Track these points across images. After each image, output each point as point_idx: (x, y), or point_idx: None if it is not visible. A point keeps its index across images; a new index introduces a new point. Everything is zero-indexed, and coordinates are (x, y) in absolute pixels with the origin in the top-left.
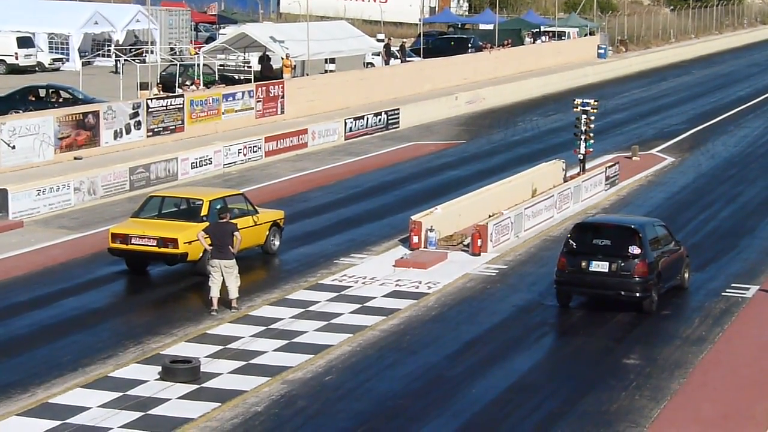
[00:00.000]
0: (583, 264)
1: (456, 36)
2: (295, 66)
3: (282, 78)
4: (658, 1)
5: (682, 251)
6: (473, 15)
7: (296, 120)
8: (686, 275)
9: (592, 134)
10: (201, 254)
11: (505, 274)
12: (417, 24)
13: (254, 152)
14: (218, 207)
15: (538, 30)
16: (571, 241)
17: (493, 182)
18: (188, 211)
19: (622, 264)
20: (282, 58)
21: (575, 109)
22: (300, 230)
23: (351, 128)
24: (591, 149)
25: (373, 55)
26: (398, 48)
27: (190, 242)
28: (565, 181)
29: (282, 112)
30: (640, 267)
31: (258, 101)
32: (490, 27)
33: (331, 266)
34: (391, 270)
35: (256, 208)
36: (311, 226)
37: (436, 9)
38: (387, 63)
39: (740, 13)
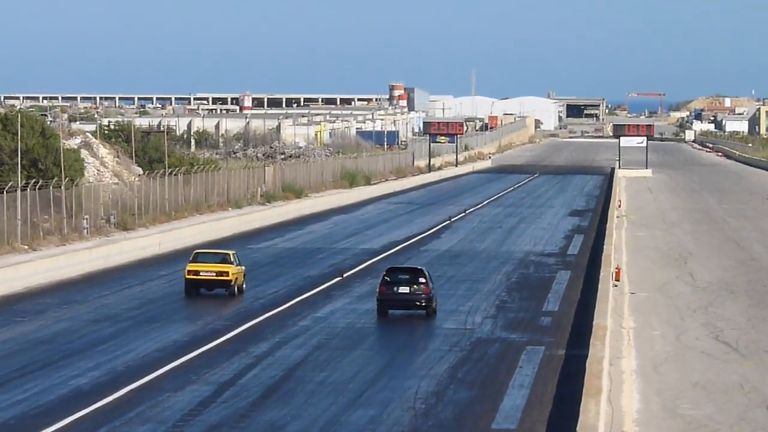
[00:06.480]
0: (395, 289)
1: None
2: None
3: None
4: None
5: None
6: None
7: None
8: (436, 300)
9: None
10: (233, 281)
11: None
12: None
13: None
14: None
15: None
16: (386, 277)
17: None
18: (225, 258)
19: (416, 287)
20: None
21: None
22: None
23: None
24: None
25: None
26: None
27: (233, 273)
28: None
29: None
30: (426, 289)
31: None
32: None
33: None
34: None
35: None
36: None
37: None
38: None
39: None
